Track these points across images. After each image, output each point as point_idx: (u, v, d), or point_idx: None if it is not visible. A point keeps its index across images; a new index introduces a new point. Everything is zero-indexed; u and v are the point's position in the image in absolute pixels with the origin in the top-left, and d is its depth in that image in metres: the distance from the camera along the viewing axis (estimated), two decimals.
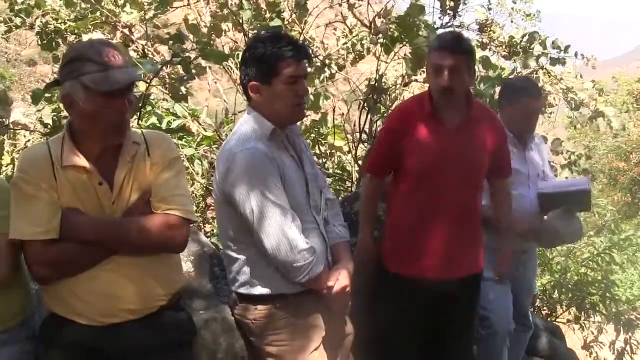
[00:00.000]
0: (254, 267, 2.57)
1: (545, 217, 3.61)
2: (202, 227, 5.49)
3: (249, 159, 2.45)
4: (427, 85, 3.25)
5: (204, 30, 5.20)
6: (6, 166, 5.23)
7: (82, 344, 2.15)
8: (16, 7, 5.05)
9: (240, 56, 6.30)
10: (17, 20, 5.16)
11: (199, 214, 5.72)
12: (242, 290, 2.62)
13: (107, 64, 2.05)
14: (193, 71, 4.43)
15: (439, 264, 3.07)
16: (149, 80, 3.64)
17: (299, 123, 3.06)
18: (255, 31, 5.33)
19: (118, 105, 2.09)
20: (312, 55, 5.85)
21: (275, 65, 2.50)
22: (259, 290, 2.57)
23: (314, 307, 2.62)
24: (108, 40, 2.69)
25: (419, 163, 3.01)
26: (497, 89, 4.15)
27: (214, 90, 6.93)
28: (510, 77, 5.56)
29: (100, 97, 2.05)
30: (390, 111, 3.50)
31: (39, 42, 5.11)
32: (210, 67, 5.58)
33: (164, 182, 2.23)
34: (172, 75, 4.54)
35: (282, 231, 2.44)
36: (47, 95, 4.06)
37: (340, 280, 2.61)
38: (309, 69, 5.52)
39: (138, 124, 4.10)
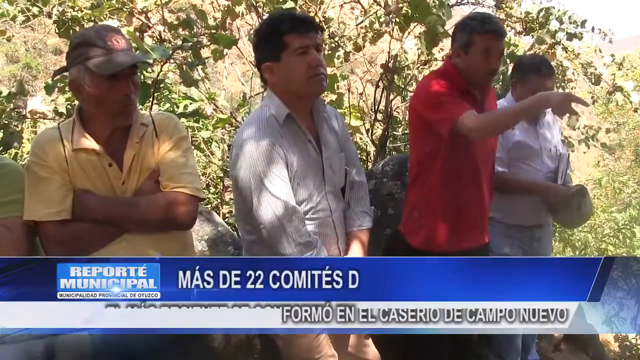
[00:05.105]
0: (261, 248, 2.56)
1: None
2: (220, 208, 5.54)
3: (254, 150, 2.39)
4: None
5: (218, 14, 5.22)
6: (27, 154, 5.32)
7: None
8: None
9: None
10: (35, 10, 5.22)
11: (216, 196, 5.77)
12: None
13: (109, 48, 2.10)
14: (210, 56, 4.47)
15: (476, 234, 3.19)
16: (161, 66, 3.69)
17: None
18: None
19: (122, 87, 2.14)
20: (323, 28, 5.80)
21: (281, 40, 2.43)
22: None
23: None
24: (112, 25, 2.73)
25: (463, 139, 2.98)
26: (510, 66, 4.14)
27: (234, 75, 6.95)
28: (526, 54, 5.53)
29: (104, 80, 2.10)
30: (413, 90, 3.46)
31: (57, 31, 5.17)
32: (226, 54, 5.58)
33: (172, 161, 2.27)
34: (189, 60, 4.58)
35: (281, 225, 2.39)
36: (60, 85, 4.14)
37: None
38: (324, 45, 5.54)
39: (153, 108, 4.16)
